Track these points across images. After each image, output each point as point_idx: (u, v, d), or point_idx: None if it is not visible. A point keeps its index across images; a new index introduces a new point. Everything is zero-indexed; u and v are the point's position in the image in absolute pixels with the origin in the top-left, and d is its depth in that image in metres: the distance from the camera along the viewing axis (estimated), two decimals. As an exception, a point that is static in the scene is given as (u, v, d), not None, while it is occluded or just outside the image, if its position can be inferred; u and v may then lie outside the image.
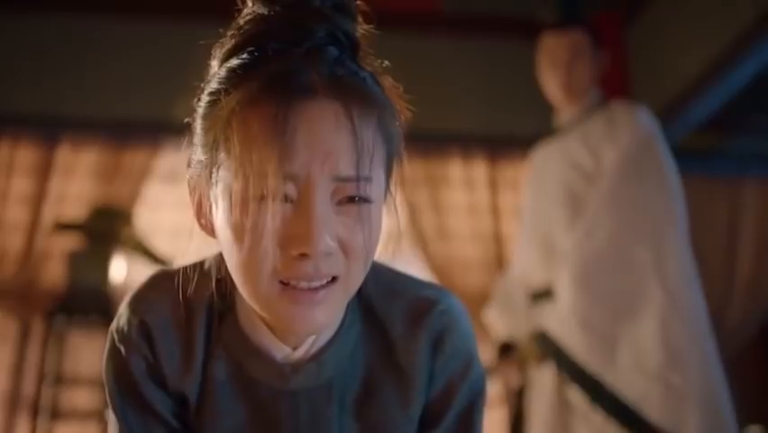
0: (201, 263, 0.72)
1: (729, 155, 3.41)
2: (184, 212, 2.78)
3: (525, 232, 2.03)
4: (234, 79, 0.59)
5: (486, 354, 1.83)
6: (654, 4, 2.97)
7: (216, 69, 0.63)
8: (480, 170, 3.14)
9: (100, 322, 2.70)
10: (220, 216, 0.61)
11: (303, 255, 0.58)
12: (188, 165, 0.66)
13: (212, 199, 0.63)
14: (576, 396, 1.68)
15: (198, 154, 0.63)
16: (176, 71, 2.06)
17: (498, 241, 3.05)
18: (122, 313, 0.70)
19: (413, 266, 2.94)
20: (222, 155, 0.59)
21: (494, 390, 2.46)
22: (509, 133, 3.07)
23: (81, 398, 2.76)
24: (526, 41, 2.20)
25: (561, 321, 1.72)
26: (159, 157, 2.99)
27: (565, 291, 1.72)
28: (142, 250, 2.81)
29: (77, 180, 2.96)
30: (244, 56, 0.60)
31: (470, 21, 3.23)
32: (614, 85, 2.76)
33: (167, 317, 0.69)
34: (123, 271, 2.86)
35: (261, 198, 0.57)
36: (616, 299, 1.68)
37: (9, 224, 2.90)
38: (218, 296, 0.69)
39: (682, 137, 2.85)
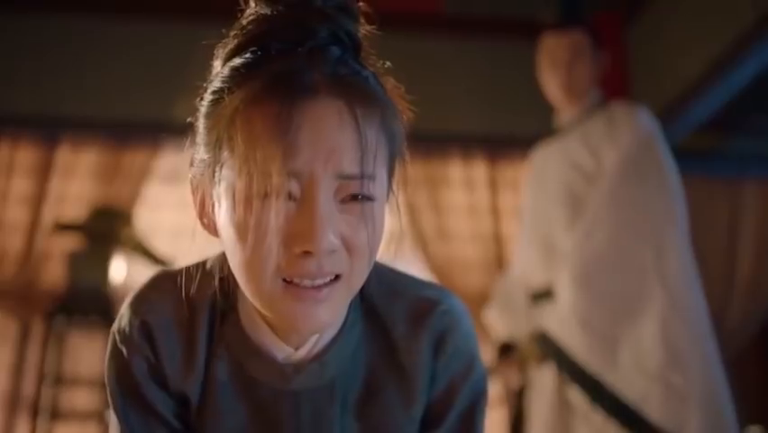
0: (203, 263, 0.72)
1: (729, 156, 3.41)
2: (184, 212, 2.80)
3: (525, 232, 2.03)
4: (238, 78, 0.60)
5: (486, 355, 1.82)
6: (654, 4, 2.97)
7: (219, 69, 0.63)
8: (480, 170, 3.14)
9: (100, 322, 2.70)
10: (223, 214, 0.61)
11: (306, 253, 0.58)
12: (191, 164, 0.66)
13: (215, 198, 0.63)
14: (576, 396, 1.68)
15: (201, 153, 0.63)
16: (176, 71, 2.07)
17: (498, 241, 3.05)
18: (123, 314, 0.70)
19: (413, 266, 2.93)
20: (225, 154, 0.60)
21: (494, 390, 2.46)
22: (510, 134, 3.07)
23: (81, 398, 2.76)
24: (527, 42, 2.20)
25: (561, 321, 1.72)
26: (159, 157, 2.98)
27: (565, 292, 1.72)
28: (142, 250, 2.81)
29: (76, 181, 2.96)
30: (247, 55, 0.61)
31: (471, 22, 3.23)
32: (614, 85, 2.76)
33: (168, 317, 0.69)
34: (123, 272, 2.86)
35: (265, 196, 0.57)
36: (616, 299, 1.68)
37: (9, 224, 2.89)
38: (221, 295, 0.69)
39: (683, 137, 2.85)
